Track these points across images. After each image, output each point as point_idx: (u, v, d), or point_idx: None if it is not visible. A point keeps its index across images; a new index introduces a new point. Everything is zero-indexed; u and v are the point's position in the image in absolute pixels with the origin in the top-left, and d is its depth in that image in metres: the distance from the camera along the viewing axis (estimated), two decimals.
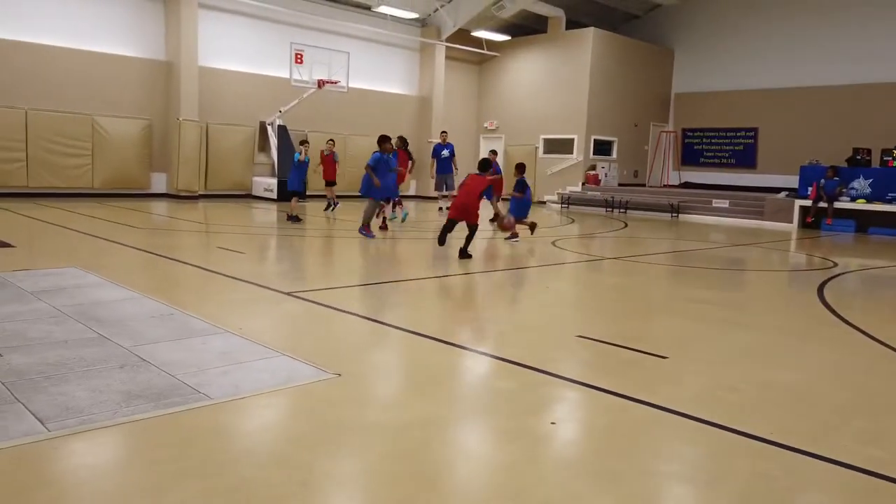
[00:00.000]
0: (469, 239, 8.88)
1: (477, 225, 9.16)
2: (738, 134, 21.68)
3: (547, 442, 3.00)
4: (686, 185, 22.27)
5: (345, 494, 2.52)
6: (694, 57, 22.57)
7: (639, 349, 4.49)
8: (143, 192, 16.07)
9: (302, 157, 12.38)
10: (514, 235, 10.85)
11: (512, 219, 10.62)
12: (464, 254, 8.68)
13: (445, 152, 15.59)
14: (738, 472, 2.73)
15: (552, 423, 3.18)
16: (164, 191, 16.43)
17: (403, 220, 13.22)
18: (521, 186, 10.86)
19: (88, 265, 6.64)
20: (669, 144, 23.26)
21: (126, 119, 15.59)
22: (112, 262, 7.28)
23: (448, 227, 9.04)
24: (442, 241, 8.99)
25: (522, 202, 10.95)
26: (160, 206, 14.35)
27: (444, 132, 16.57)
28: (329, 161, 14.19)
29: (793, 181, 17.80)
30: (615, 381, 3.82)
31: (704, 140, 22.54)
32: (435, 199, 17.67)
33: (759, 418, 3.33)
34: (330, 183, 14.38)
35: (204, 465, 2.59)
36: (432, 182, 16.47)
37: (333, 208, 14.49)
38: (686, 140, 22.98)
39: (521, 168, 11.15)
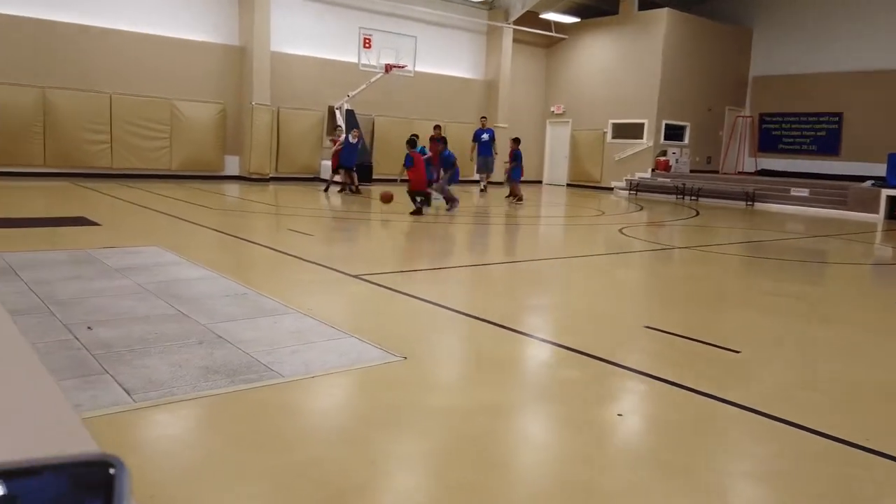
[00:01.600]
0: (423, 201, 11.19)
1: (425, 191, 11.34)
2: (821, 119, 20.61)
3: (613, 433, 2.97)
4: (762, 172, 21.38)
5: (412, 475, 2.56)
6: (774, 37, 21.53)
7: (710, 342, 4.37)
8: (216, 174, 16.62)
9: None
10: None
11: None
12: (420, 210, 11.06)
13: (485, 136, 16.78)
14: (816, 475, 2.62)
15: (619, 415, 3.14)
16: (236, 173, 16.95)
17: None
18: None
19: (168, 244, 6.95)
20: (745, 130, 22.36)
21: (202, 103, 16.14)
22: (189, 241, 7.59)
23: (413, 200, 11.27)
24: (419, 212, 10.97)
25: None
26: (233, 188, 14.82)
27: (483, 117, 17.72)
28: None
29: (880, 169, 16.82)
30: (685, 374, 3.72)
31: (784, 125, 21.54)
32: (477, 181, 18.34)
33: (840, 419, 3.19)
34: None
35: (276, 441, 2.68)
36: (474, 165, 17.90)
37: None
38: (763, 125, 22.02)
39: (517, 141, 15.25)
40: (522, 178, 15.23)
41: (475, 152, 17.32)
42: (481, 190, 17.48)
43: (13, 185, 12.53)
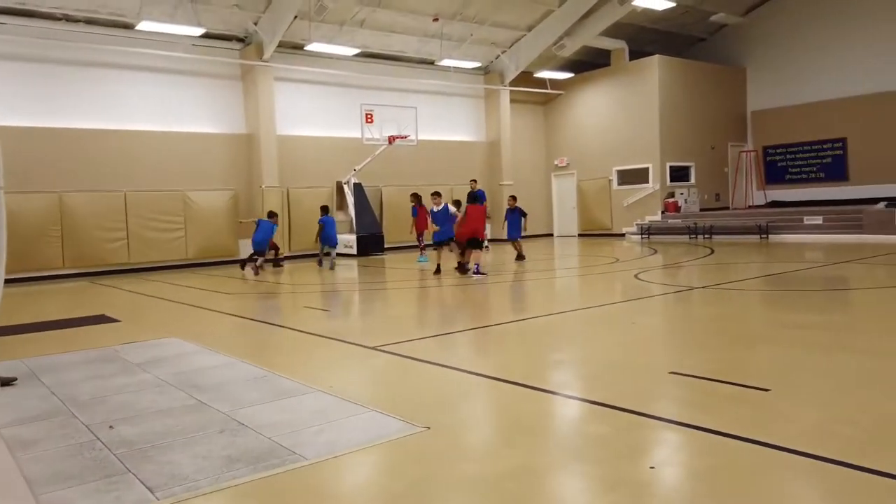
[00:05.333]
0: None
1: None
2: (825, 146, 20.67)
3: (648, 488, 2.87)
4: (773, 204, 21.33)
5: None
6: (768, 73, 21.87)
7: (739, 383, 4.27)
8: (232, 258, 16.85)
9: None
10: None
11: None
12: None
13: None
14: None
15: (651, 468, 3.05)
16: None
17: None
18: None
19: (186, 334, 6.99)
20: (751, 164, 22.44)
21: (214, 191, 16.53)
22: (207, 329, 7.64)
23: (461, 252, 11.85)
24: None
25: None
26: (248, 271, 14.97)
27: (473, 180, 17.40)
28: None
29: (891, 190, 16.76)
30: (716, 418, 3.63)
31: (788, 156, 21.61)
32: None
33: (882, 452, 3.07)
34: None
35: None
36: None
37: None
38: (768, 158, 22.10)
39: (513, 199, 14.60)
40: (524, 235, 14.51)
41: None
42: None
43: (33, 290, 12.77)
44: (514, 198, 14.64)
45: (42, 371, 5.49)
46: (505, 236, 14.92)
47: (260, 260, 14.47)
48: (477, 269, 11.39)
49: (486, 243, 18.01)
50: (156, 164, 15.76)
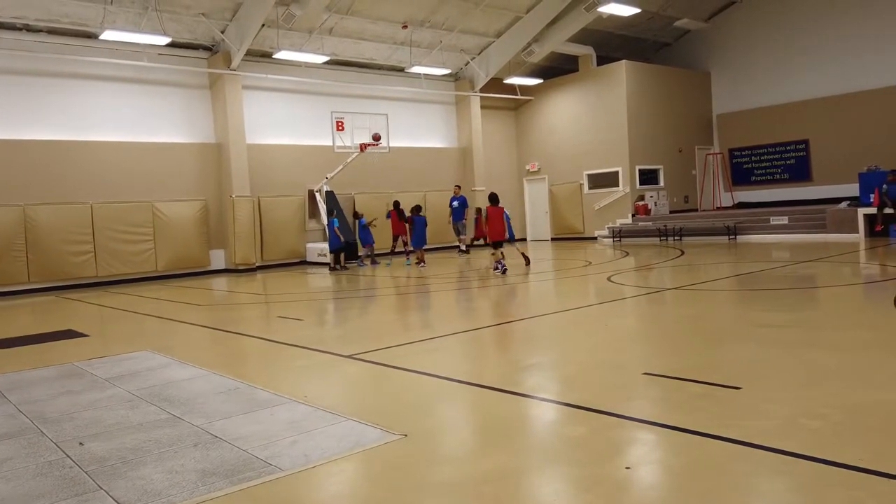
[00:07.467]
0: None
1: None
2: (788, 148, 21.14)
3: (624, 488, 2.90)
4: (740, 205, 21.74)
5: None
6: (731, 77, 22.32)
7: (710, 381, 4.33)
8: (203, 269, 16.64)
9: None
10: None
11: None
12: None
13: (455, 203, 18.42)
14: None
15: (627, 468, 3.08)
16: (223, 266, 16.98)
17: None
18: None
19: (158, 347, 6.88)
20: (717, 166, 22.85)
21: (183, 202, 16.31)
22: (179, 341, 7.52)
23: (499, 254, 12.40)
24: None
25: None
26: (220, 282, 14.81)
27: (457, 186, 19.15)
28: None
29: (853, 190, 17.18)
30: (689, 417, 3.68)
31: (753, 158, 22.05)
32: (457, 246, 19.62)
33: (848, 444, 3.15)
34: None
35: None
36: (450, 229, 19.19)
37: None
38: (734, 160, 22.53)
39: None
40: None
41: (450, 217, 18.60)
42: (460, 251, 18.64)
43: None
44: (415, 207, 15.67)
45: (8, 388, 5.36)
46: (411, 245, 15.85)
47: (331, 257, 16.06)
48: (500, 265, 12.35)
49: (463, 247, 18.42)
50: (123, 175, 15.51)
